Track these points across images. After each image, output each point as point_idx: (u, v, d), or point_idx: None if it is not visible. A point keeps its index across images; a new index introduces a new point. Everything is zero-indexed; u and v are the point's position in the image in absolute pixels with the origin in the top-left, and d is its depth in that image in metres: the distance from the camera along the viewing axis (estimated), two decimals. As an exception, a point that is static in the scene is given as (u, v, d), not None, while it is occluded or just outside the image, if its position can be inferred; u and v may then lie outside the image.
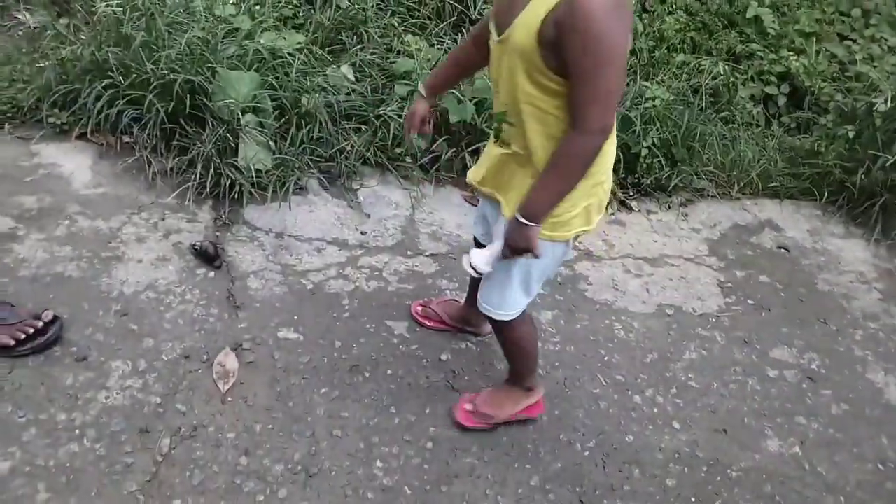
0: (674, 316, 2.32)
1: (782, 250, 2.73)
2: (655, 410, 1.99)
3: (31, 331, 1.78)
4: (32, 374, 1.76)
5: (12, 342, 1.76)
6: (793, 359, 2.23)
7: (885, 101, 2.93)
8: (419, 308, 2.13)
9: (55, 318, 1.83)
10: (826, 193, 2.94)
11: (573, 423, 1.91)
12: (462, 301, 2.11)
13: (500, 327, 1.69)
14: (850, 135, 2.98)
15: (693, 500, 1.79)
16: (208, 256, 2.17)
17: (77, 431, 1.67)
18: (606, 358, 2.12)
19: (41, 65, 2.62)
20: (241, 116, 2.37)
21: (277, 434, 1.75)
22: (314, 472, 1.68)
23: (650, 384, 2.06)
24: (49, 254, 2.08)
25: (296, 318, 2.06)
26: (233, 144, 2.39)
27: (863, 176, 2.84)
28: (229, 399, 1.80)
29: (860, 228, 2.84)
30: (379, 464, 1.73)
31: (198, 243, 2.19)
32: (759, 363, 2.21)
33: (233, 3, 2.76)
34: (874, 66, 3.55)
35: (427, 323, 2.10)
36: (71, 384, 1.76)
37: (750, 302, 2.44)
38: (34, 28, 2.83)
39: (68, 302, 1.95)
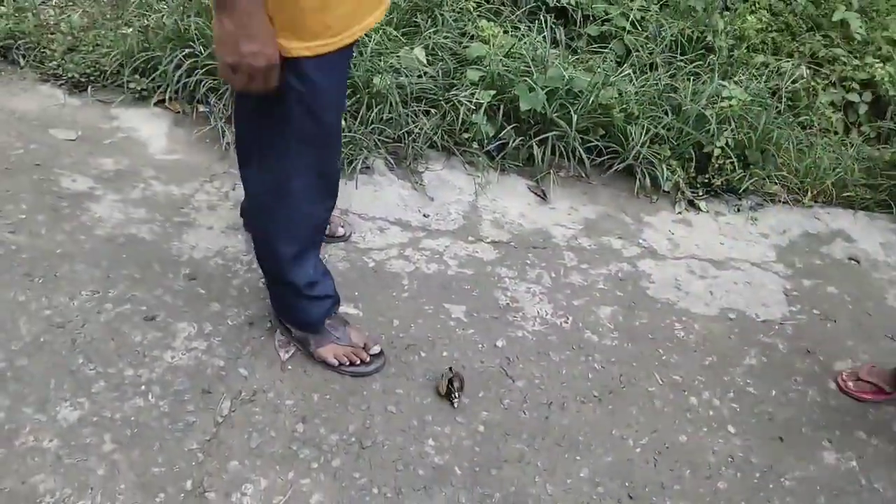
0: (736, 320, 2.27)
1: (853, 262, 2.64)
2: (711, 413, 1.96)
3: (358, 361, 1.86)
4: (104, 330, 1.83)
5: (336, 363, 1.85)
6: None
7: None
8: (850, 384, 2.08)
9: (380, 353, 1.90)
10: (904, 206, 2.83)
11: (627, 420, 1.90)
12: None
13: None
14: (934, 148, 2.86)
15: (744, 505, 1.76)
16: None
17: (143, 387, 1.73)
18: (664, 357, 2.08)
19: (125, 31, 2.70)
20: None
21: (334, 405, 1.78)
22: (367, 444, 1.71)
23: (707, 387, 2.03)
24: (124, 215, 2.16)
25: (356, 293, 2.09)
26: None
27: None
28: (289, 367, 1.84)
29: (938, 245, 2.73)
30: (431, 442, 1.75)
31: None
32: (821, 374, 2.14)
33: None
34: (965, 78, 3.39)
35: (865, 396, 2.07)
36: (139, 341, 1.83)
37: (816, 312, 2.37)
38: (120, -5, 2.92)
39: (140, 262, 2.02)
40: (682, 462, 1.83)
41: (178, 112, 2.59)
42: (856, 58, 3.46)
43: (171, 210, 2.21)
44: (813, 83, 3.23)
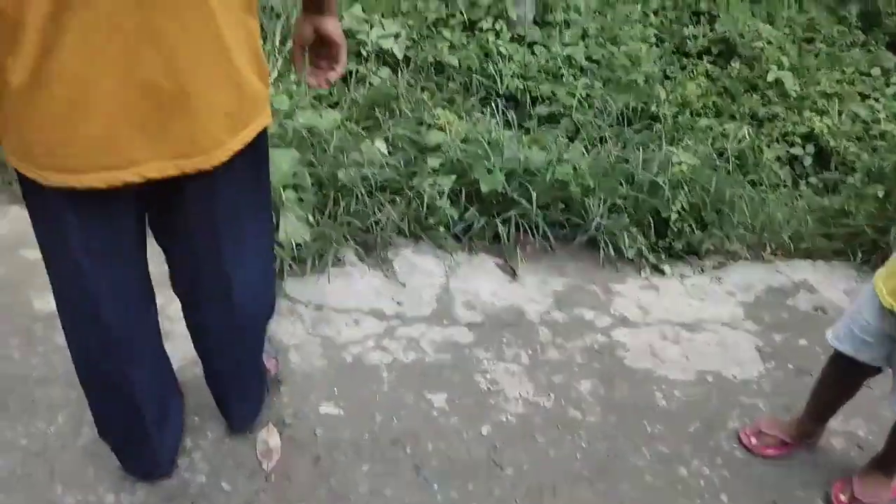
0: (714, 383, 2.30)
1: (819, 312, 2.70)
2: (702, 483, 1.96)
3: None
4: (82, 455, 1.78)
5: None
6: (839, 425, 2.19)
7: (914, 159, 2.95)
8: (753, 440, 2.04)
9: None
10: (860, 253, 2.93)
11: (620, 498, 1.88)
12: (797, 415, 2.05)
13: None
14: (880, 194, 2.99)
15: (746, 576, 1.75)
16: None
17: (125, 512, 1.69)
18: (649, 429, 2.09)
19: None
20: (282, 193, 2.45)
21: (322, 512, 1.75)
22: (360, 551, 1.68)
23: (695, 455, 2.03)
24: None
25: (336, 391, 2.08)
26: (273, 220, 2.46)
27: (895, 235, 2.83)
28: (272, 477, 1.81)
29: (897, 288, 2.81)
30: (424, 542, 1.72)
31: None
32: (804, 430, 2.17)
33: (271, 84, 2.88)
34: (899, 124, 3.59)
35: (768, 452, 2.02)
36: (118, 465, 1.78)
37: (790, 366, 2.41)
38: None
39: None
40: (678, 535, 1.82)
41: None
42: (794, 113, 3.65)
43: (142, 323, 2.19)
44: (757, 141, 3.38)
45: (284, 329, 2.25)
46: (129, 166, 1.16)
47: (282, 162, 2.48)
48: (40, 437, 1.81)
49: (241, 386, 1.83)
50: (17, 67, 1.06)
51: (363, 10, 3.47)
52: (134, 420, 1.59)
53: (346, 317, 2.36)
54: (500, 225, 2.73)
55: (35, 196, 1.24)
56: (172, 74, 1.13)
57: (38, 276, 2.28)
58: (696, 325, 2.54)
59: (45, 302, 2.21)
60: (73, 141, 1.12)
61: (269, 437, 1.90)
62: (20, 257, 2.38)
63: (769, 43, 3.90)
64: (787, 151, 3.48)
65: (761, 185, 3.22)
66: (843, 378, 1.90)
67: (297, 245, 2.44)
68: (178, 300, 1.64)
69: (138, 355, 1.53)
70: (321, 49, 1.45)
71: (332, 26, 1.43)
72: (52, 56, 1.05)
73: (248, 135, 1.28)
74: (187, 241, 1.44)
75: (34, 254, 2.35)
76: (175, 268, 1.56)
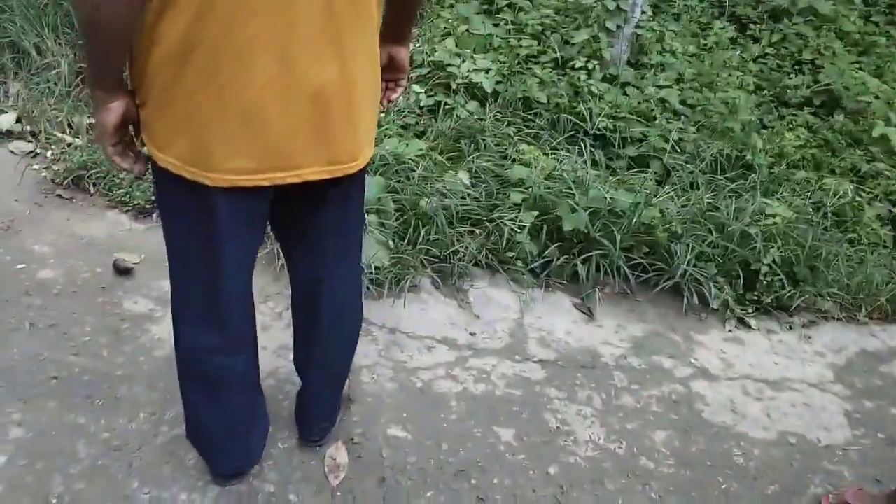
0: (797, 445, 2.18)
1: (916, 381, 2.54)
2: (779, 549, 1.86)
3: None
4: (160, 452, 1.85)
5: None
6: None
7: None
8: None
9: None
10: (962, 322, 2.75)
11: (688, 555, 1.81)
12: (888, 490, 1.96)
13: None
14: None
15: None
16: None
17: (195, 514, 1.73)
18: (724, 486, 2.00)
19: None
20: (366, 216, 2.51)
21: (383, 535, 1.74)
22: (418, 579, 1.66)
23: (772, 519, 1.94)
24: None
25: (404, 415, 2.08)
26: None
27: None
28: (338, 494, 1.82)
29: None
30: (483, 578, 1.69)
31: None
32: (894, 506, 2.02)
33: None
34: None
35: None
36: (193, 464, 1.83)
37: (880, 436, 2.27)
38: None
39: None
40: None
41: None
42: (899, 171, 3.47)
43: (225, 331, 2.26)
44: (858, 198, 3.23)
45: (358, 350, 2.26)
46: (293, 169, 1.27)
47: (368, 186, 2.54)
48: (121, 432, 1.89)
49: (327, 399, 1.91)
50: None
51: (456, 45, 3.54)
52: (232, 415, 1.69)
53: (419, 343, 2.37)
54: (579, 264, 2.70)
55: (187, 193, 1.30)
56: (346, 84, 1.23)
57: (131, 279, 2.42)
58: (781, 384, 2.42)
59: (134, 303, 2.32)
60: (253, 148, 1.23)
61: (337, 454, 1.92)
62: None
63: (876, 97, 3.74)
64: (890, 211, 3.30)
65: (860, 243, 3.07)
66: None
67: (377, 268, 2.48)
68: (257, 311, 1.71)
69: (248, 344, 1.66)
70: (385, 73, 1.55)
71: (405, 55, 1.55)
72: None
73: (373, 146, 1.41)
74: (315, 237, 1.55)
75: (129, 256, 2.51)
76: (295, 263, 1.67)
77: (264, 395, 1.85)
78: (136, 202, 2.74)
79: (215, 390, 1.63)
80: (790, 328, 2.70)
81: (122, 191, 2.78)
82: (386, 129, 2.96)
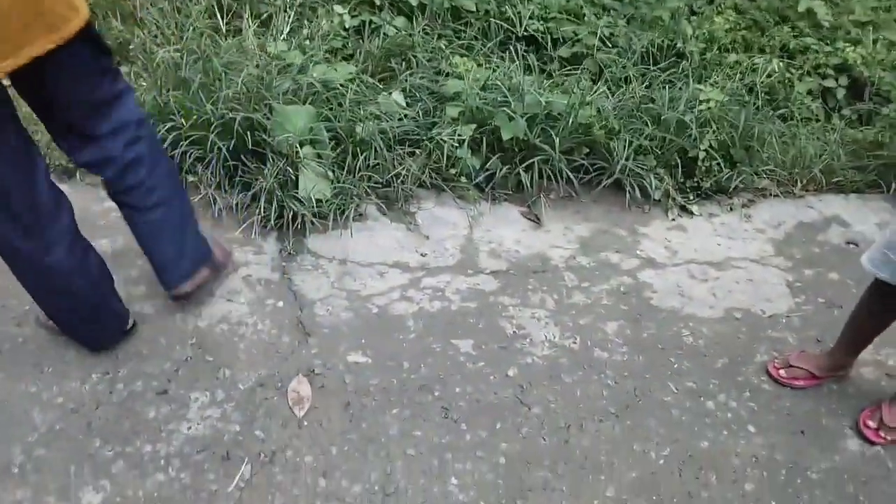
0: (742, 319, 2.27)
1: (851, 245, 2.64)
2: (729, 415, 1.95)
3: None
4: (118, 409, 1.84)
5: None
6: (868, 355, 2.15)
7: (953, 85, 2.83)
8: (782, 372, 2.05)
9: None
10: (893, 185, 2.84)
11: (646, 433, 1.89)
12: (828, 349, 2.06)
13: None
14: (917, 123, 2.88)
15: (773, 503, 1.75)
16: None
17: (162, 462, 1.74)
18: (676, 365, 2.09)
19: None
20: (299, 149, 2.45)
21: (353, 455, 1.78)
22: (391, 490, 1.71)
23: (722, 389, 2.03)
24: (125, 293, 2.17)
25: (363, 341, 2.10)
26: (293, 177, 2.47)
27: (933, 164, 2.74)
28: (305, 423, 1.85)
29: (935, 218, 2.73)
30: (454, 480, 1.75)
31: None
32: (836, 363, 2.14)
33: (283, 40, 2.86)
34: (937, 50, 3.43)
35: (797, 384, 2.03)
36: (154, 417, 1.84)
37: (821, 300, 2.37)
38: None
39: (146, 338, 2.04)
40: (706, 468, 1.82)
41: (169, 184, 2.62)
42: (826, 44, 3.50)
43: (172, 282, 2.23)
44: (788, 75, 3.26)
45: (309, 284, 2.28)
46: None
47: (297, 118, 2.47)
48: (75, 395, 1.87)
49: (173, 227, 1.98)
50: None
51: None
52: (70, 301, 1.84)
53: (371, 270, 2.37)
54: (522, 173, 2.70)
55: None
56: None
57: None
58: (725, 264, 2.50)
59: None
60: None
61: (299, 386, 1.94)
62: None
63: (799, -29, 3.73)
64: (820, 84, 3.34)
65: (792, 119, 3.12)
66: (880, 306, 1.86)
67: (318, 201, 2.45)
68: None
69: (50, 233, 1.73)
70: None
71: None
72: None
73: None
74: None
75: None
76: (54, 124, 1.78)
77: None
78: (57, 163, 2.63)
79: (41, 282, 1.77)
80: (731, 209, 2.76)
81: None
82: (312, 54, 2.87)
